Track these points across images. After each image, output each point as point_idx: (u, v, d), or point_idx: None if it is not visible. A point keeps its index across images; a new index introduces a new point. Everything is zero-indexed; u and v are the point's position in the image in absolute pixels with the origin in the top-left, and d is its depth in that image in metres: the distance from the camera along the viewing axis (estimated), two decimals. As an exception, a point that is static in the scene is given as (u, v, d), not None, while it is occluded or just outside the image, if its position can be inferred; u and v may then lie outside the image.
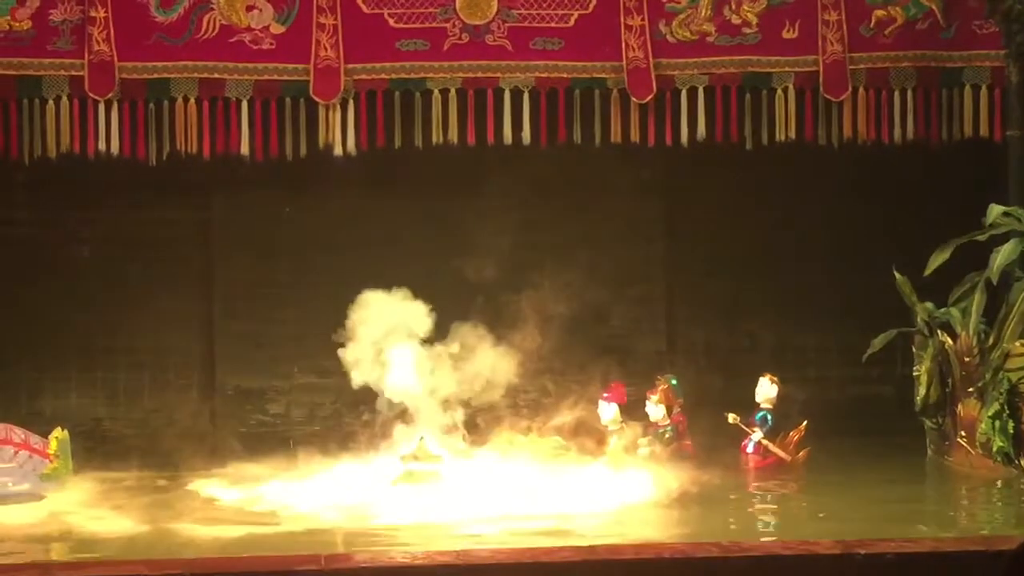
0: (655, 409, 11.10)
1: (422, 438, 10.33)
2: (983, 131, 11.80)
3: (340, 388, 11.90)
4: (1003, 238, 10.84)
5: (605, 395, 11.03)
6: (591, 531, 8.81)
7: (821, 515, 9.62)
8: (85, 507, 9.69)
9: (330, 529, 9.05)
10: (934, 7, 11.79)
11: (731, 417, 11.15)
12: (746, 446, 11.17)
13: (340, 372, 10.90)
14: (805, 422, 11.15)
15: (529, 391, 11.80)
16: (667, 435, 11.03)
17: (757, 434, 11.12)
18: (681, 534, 9.05)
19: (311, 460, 10.72)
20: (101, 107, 11.33)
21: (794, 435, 11.14)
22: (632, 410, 11.28)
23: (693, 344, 12.46)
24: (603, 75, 11.66)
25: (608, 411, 10.97)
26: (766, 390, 11.29)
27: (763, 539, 9.11)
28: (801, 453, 11.11)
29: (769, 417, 11.21)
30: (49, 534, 9.06)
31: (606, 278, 11.85)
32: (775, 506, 10.15)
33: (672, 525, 9.31)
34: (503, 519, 9.12)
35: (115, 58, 11.28)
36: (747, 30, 11.73)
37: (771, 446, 11.09)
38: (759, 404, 11.29)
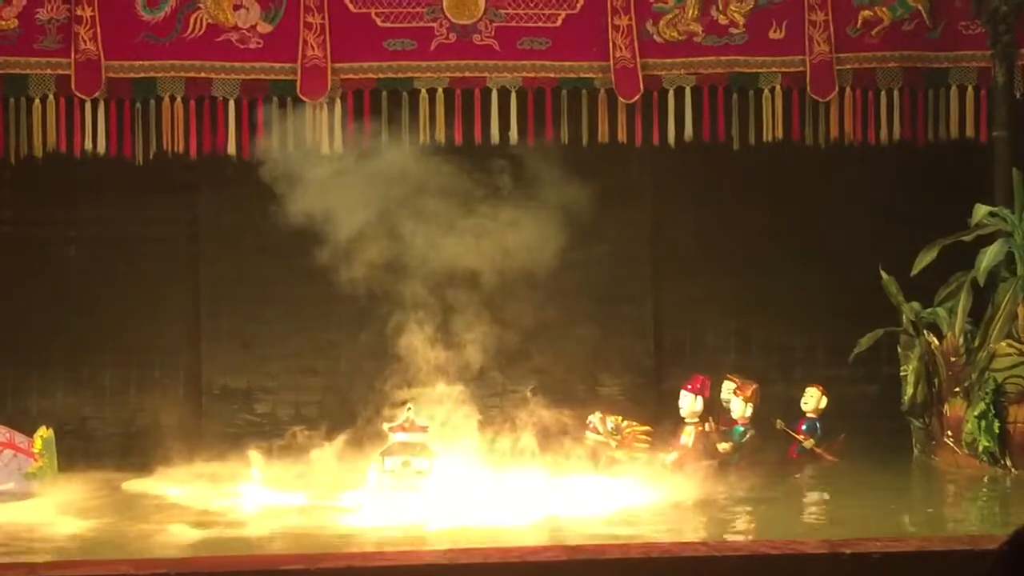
0: (741, 407, 11.16)
1: (409, 408, 10.29)
2: (969, 132, 11.83)
3: (327, 387, 11.89)
4: (989, 238, 10.86)
5: (687, 387, 10.96)
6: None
7: (806, 514, 9.64)
8: (66, 506, 9.65)
9: (315, 528, 9.04)
10: (920, 8, 11.81)
11: (779, 423, 11.40)
12: (794, 450, 11.45)
13: (327, 371, 10.83)
14: (843, 435, 11.45)
15: (516, 391, 11.78)
16: (748, 434, 11.13)
17: (809, 442, 11.42)
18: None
19: (296, 459, 10.70)
20: (88, 106, 11.32)
21: (836, 444, 11.45)
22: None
23: (680, 344, 12.47)
24: (590, 75, 11.66)
25: (694, 403, 10.87)
26: (815, 401, 11.55)
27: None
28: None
29: (818, 425, 11.51)
30: (26, 533, 9.01)
31: (593, 279, 11.85)
32: (761, 506, 10.15)
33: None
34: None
35: (102, 57, 11.26)
36: (734, 30, 11.74)
37: (824, 453, 11.38)
38: (806, 414, 11.54)
